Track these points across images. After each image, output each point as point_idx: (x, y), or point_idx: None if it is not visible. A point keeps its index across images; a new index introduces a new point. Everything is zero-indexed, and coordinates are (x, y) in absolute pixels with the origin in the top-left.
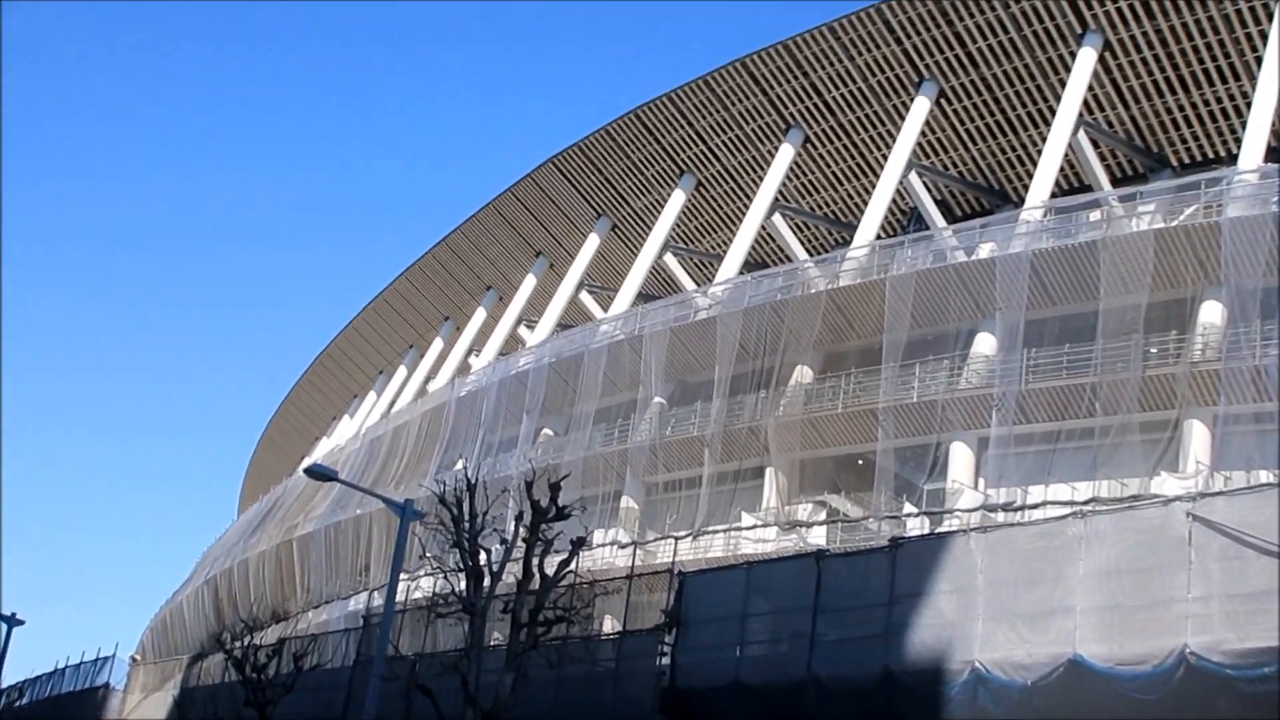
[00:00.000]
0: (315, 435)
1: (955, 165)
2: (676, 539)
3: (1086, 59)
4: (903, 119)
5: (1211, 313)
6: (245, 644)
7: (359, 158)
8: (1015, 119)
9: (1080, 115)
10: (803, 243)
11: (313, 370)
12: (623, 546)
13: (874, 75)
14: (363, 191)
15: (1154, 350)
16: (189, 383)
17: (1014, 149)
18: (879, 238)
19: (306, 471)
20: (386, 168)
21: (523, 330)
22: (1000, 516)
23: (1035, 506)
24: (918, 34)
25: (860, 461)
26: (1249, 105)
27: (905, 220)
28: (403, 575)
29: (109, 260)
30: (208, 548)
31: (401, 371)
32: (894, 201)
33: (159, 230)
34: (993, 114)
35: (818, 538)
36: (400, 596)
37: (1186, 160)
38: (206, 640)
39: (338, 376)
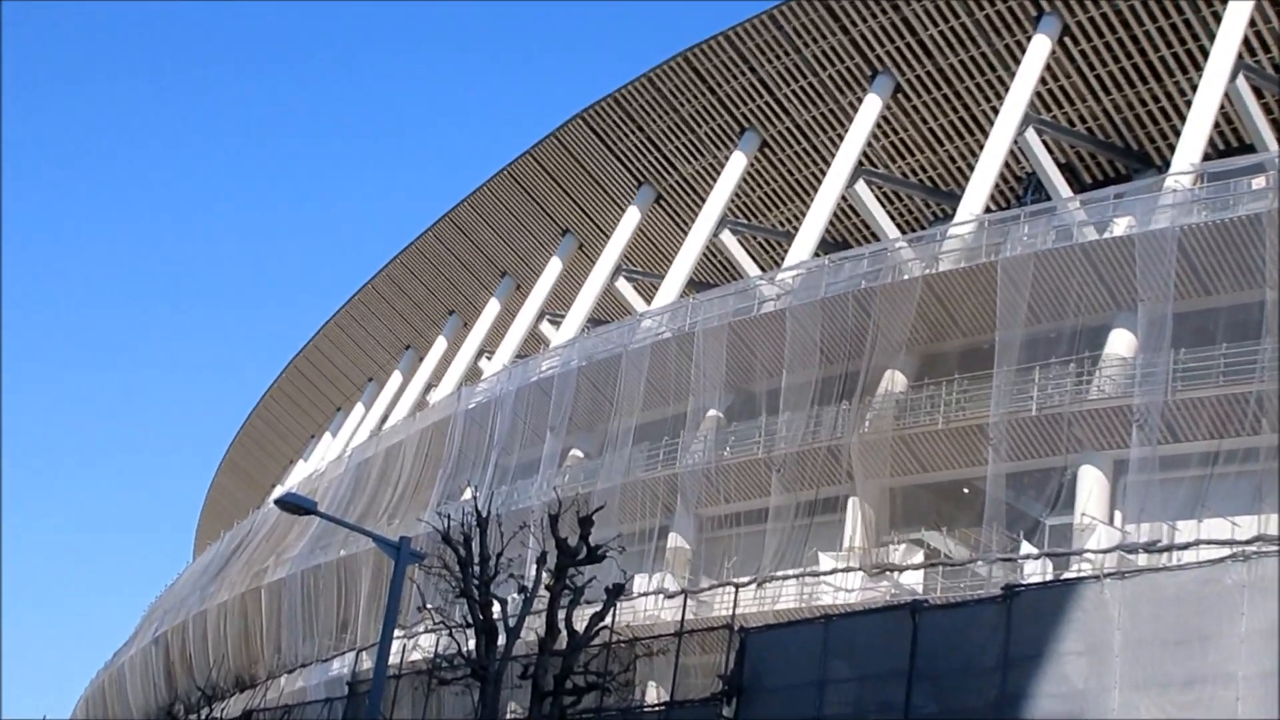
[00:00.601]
0: (289, 458)
1: (1083, 120)
2: (737, 586)
3: None
4: (1018, 63)
5: None
6: (203, 717)
7: (345, 120)
8: (1158, 62)
9: (1239, 57)
10: (892, 217)
11: (286, 378)
12: (670, 596)
13: (981, 9)
14: (351, 161)
15: None
16: (133, 396)
17: (1156, 99)
18: (988, 211)
19: (278, 503)
20: (379, 131)
21: (545, 327)
22: (1142, 559)
23: (1186, 547)
24: None
25: (966, 490)
26: None
27: (1021, 189)
28: (397, 631)
29: (38, 245)
30: (156, 598)
31: (395, 378)
32: (1006, 166)
33: (110, 210)
34: (1130, 56)
35: (913, 584)
36: (394, 658)
37: None
38: (155, 712)
39: (317, 385)
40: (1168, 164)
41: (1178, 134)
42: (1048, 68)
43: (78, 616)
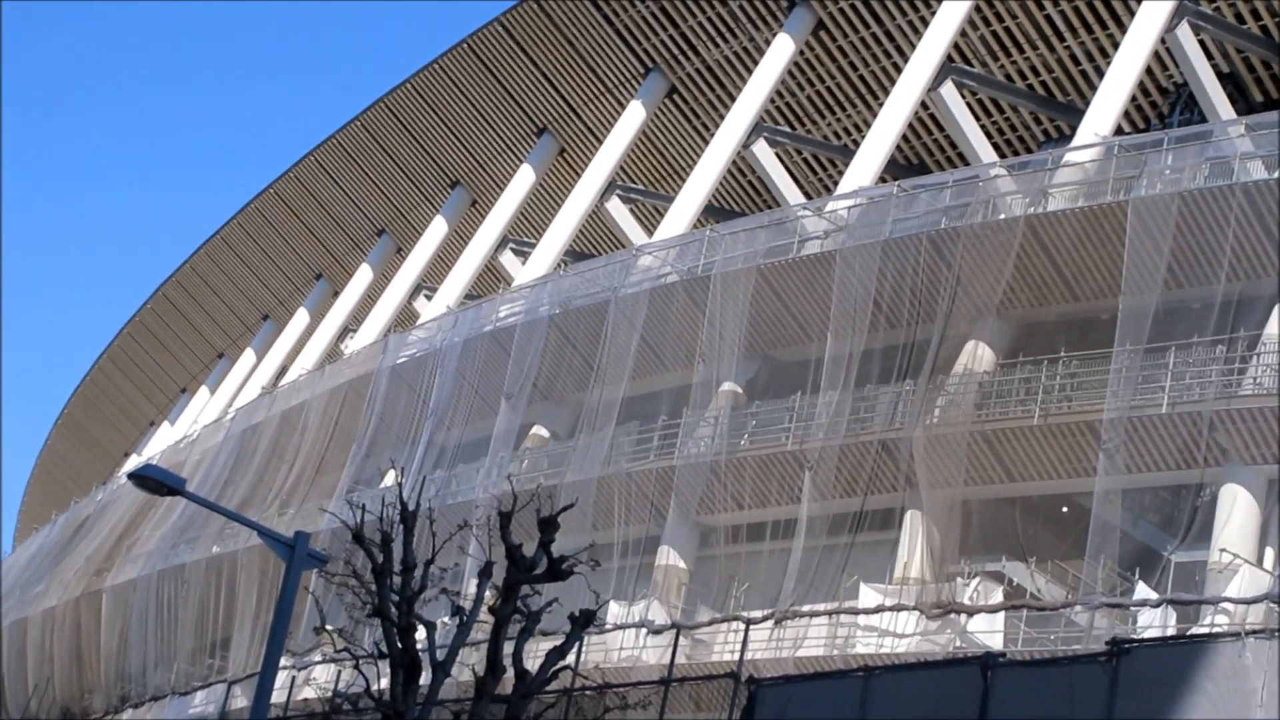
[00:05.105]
0: (149, 418)
1: (1256, 17)
2: (748, 624)
3: None
4: None
5: None
6: None
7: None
8: None
9: None
10: (988, 133)
11: (150, 309)
12: (656, 631)
13: None
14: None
15: None
16: None
17: None
18: (1120, 133)
19: (132, 477)
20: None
21: (508, 259)
22: None
23: None
24: None
25: (1065, 509)
26: None
27: (1169, 104)
28: (285, 659)
29: None
30: None
31: (300, 317)
32: (1148, 73)
33: None
34: None
35: (987, 632)
36: (279, 694)
37: None
38: None
39: (192, 320)
40: None
41: None
42: None
43: None
